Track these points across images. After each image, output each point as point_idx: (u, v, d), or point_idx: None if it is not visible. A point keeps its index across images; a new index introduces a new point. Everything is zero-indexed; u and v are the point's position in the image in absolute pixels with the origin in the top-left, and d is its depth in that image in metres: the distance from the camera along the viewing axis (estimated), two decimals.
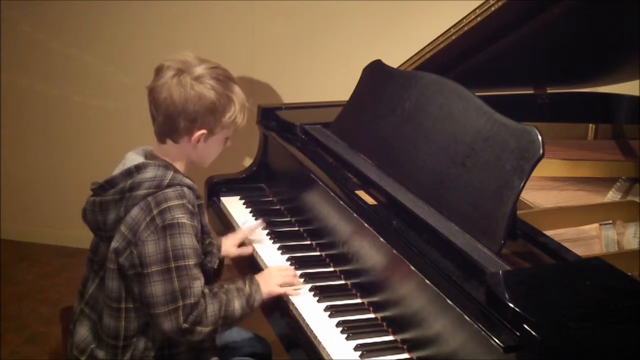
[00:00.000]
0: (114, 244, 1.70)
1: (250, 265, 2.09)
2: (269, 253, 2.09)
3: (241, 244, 2.12)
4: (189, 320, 1.67)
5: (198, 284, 1.69)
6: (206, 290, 1.73)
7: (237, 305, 1.75)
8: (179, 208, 1.68)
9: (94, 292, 1.80)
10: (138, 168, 1.71)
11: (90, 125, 3.73)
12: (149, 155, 1.80)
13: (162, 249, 1.65)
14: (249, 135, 2.70)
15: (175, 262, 1.66)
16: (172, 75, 1.71)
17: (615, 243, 1.84)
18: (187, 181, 1.74)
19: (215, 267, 1.87)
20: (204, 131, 1.75)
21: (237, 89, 1.78)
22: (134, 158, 1.76)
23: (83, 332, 1.81)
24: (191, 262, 1.68)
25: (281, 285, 1.86)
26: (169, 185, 1.69)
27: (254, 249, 2.11)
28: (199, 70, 1.73)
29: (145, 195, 1.68)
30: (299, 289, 1.88)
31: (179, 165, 1.80)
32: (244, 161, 2.59)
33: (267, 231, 2.22)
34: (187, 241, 1.67)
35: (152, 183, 1.69)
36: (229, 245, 2.09)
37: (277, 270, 1.91)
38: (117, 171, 1.75)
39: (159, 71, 1.75)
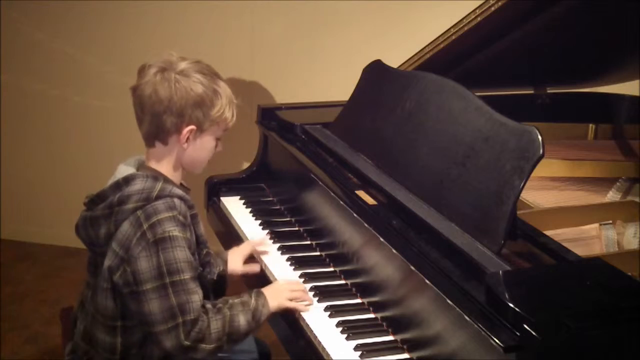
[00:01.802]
0: (106, 262, 1.66)
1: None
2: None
3: (247, 260, 2.05)
4: (191, 337, 1.62)
5: (196, 298, 1.64)
6: (209, 306, 1.68)
7: (242, 320, 1.69)
8: (170, 221, 1.63)
9: (91, 303, 1.76)
10: (126, 180, 1.67)
11: (90, 126, 3.73)
12: (140, 166, 1.75)
13: (155, 264, 1.61)
14: (249, 135, 2.70)
15: (170, 278, 1.61)
16: (155, 72, 1.68)
17: (615, 243, 1.84)
18: (178, 191, 1.69)
19: (215, 277, 1.83)
20: (192, 127, 1.70)
21: (222, 83, 1.74)
22: (124, 170, 1.72)
23: (80, 341, 1.78)
24: (186, 276, 1.63)
25: (291, 300, 1.79)
26: (158, 197, 1.64)
27: (262, 263, 2.04)
28: (183, 65, 1.69)
29: (134, 208, 1.64)
30: (310, 304, 1.81)
31: (171, 172, 1.75)
32: (244, 161, 2.58)
33: (267, 231, 2.22)
34: (181, 255, 1.63)
35: (140, 196, 1.64)
36: (235, 262, 2.01)
37: (286, 284, 1.84)
38: (108, 184, 1.71)
39: (141, 71, 1.71)
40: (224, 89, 1.74)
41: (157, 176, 1.70)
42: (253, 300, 1.74)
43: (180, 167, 1.78)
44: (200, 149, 1.76)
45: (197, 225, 1.76)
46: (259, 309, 1.73)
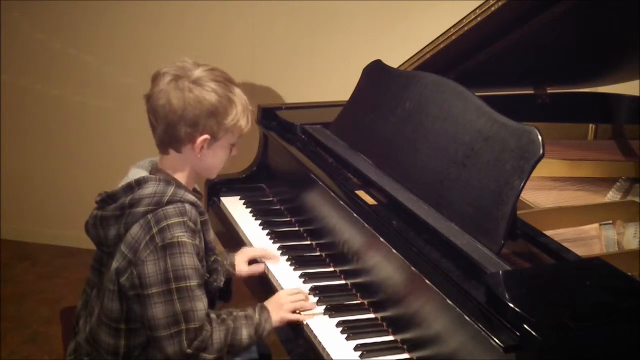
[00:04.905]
0: (114, 264, 1.65)
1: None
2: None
3: (252, 261, 2.06)
4: (194, 345, 1.62)
5: (201, 306, 1.64)
6: (213, 316, 1.68)
7: (244, 334, 1.70)
8: (179, 226, 1.62)
9: (95, 303, 1.75)
10: (139, 183, 1.66)
11: (89, 125, 3.73)
12: (153, 169, 1.74)
13: (162, 269, 1.60)
14: (249, 135, 2.69)
15: (176, 283, 1.60)
16: (169, 81, 1.65)
17: (615, 243, 1.84)
18: (189, 197, 1.68)
19: (221, 285, 1.82)
20: (206, 136, 1.68)
21: (237, 90, 1.72)
22: (136, 172, 1.71)
23: (83, 342, 1.77)
24: (193, 282, 1.62)
25: (293, 311, 1.78)
26: (169, 202, 1.63)
27: (266, 267, 2.03)
28: (197, 73, 1.67)
29: (145, 212, 1.63)
30: (311, 311, 1.80)
31: (184, 178, 1.74)
32: (244, 161, 2.58)
33: (267, 231, 2.22)
34: (188, 261, 1.62)
35: (151, 199, 1.63)
36: (241, 263, 2.02)
37: (287, 295, 1.83)
38: (120, 185, 1.70)
39: (155, 78, 1.69)
40: (239, 97, 1.71)
41: (169, 180, 1.69)
42: (257, 315, 1.75)
43: (194, 173, 1.77)
44: (214, 156, 1.74)
45: (207, 231, 1.75)
46: (261, 324, 1.74)
